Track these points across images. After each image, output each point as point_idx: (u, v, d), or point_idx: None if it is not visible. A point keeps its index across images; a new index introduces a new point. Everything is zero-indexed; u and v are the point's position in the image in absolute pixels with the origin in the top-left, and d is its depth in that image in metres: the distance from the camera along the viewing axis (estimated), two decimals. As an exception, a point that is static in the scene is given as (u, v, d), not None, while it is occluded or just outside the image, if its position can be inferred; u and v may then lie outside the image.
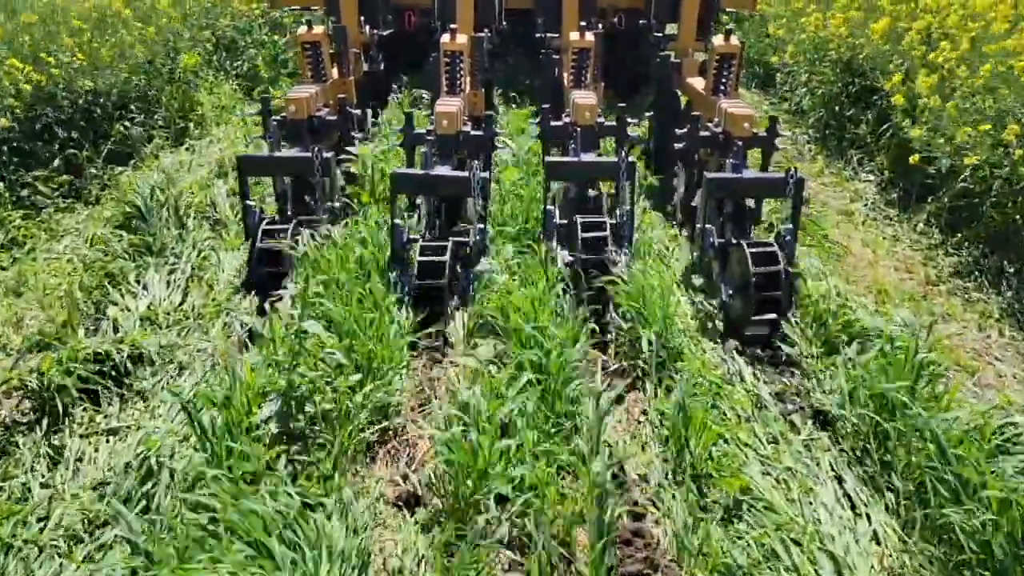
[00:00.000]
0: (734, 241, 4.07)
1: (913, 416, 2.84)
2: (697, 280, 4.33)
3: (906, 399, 2.91)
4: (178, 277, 4.24)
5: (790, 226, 3.97)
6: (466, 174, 4.09)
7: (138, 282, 4.13)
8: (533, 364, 3.22)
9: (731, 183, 4.20)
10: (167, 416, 3.21)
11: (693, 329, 3.95)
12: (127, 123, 6.43)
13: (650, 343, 3.56)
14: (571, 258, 4.11)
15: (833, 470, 3.04)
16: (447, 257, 3.82)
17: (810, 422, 3.33)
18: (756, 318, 3.81)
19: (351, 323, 3.35)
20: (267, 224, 4.16)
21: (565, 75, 5.65)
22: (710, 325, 3.98)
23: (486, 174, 4.31)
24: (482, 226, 4.18)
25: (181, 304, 4.10)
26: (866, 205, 5.77)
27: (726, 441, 3.11)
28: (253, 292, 4.09)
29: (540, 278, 3.88)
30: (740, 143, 4.36)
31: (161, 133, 6.76)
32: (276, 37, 8.96)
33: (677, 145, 4.74)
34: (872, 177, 6.14)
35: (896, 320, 3.66)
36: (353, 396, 3.10)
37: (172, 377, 3.54)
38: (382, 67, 7.11)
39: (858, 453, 3.09)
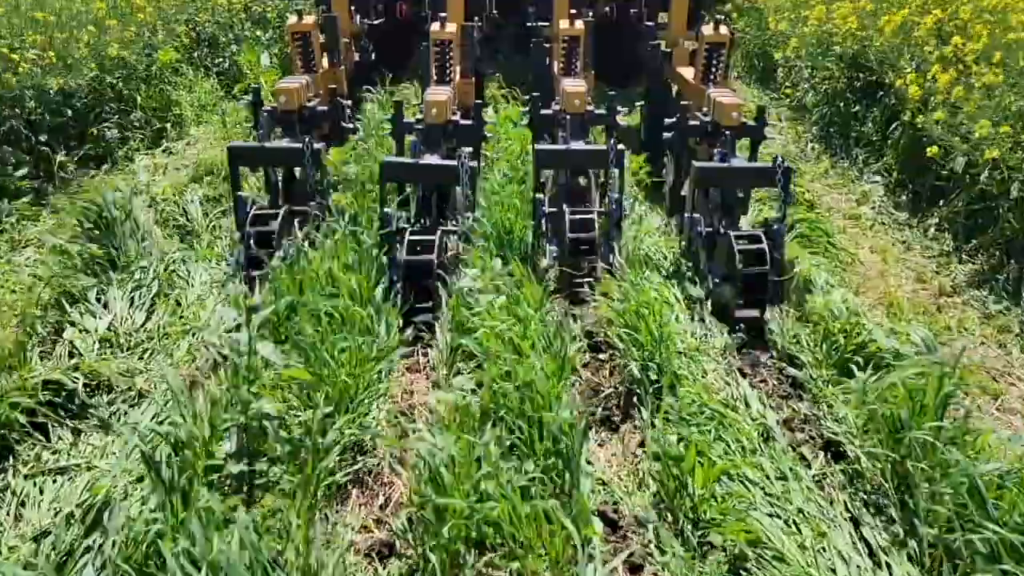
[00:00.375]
0: (722, 231, 4.03)
1: (942, 460, 2.57)
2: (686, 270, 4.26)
3: (932, 439, 2.63)
4: (143, 294, 3.96)
5: (779, 215, 3.96)
6: (454, 163, 4.04)
7: (99, 300, 3.85)
8: (512, 408, 2.93)
9: (718, 172, 4.19)
10: (122, 452, 2.93)
11: (693, 348, 3.68)
12: (103, 124, 6.16)
13: (644, 369, 3.30)
14: (556, 252, 4.12)
15: (848, 510, 2.78)
16: (435, 238, 3.86)
17: (821, 454, 3.07)
18: (740, 314, 3.84)
19: (323, 351, 3.08)
20: (257, 210, 4.13)
21: (555, 63, 5.61)
22: (698, 314, 3.88)
23: (475, 163, 4.25)
24: (469, 215, 4.14)
25: (145, 324, 3.82)
26: (874, 208, 5.50)
27: (730, 477, 2.85)
28: (245, 283, 3.98)
29: (528, 296, 3.61)
30: (728, 132, 4.34)
31: (137, 134, 6.48)
32: (259, 32, 8.66)
33: (666, 134, 4.69)
34: (880, 178, 5.86)
35: (913, 339, 3.40)
36: (324, 431, 2.83)
37: (131, 407, 3.27)
38: (372, 57, 7.05)
39: (876, 494, 2.82)
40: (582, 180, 4.71)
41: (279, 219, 4.07)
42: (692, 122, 4.62)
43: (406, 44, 7.38)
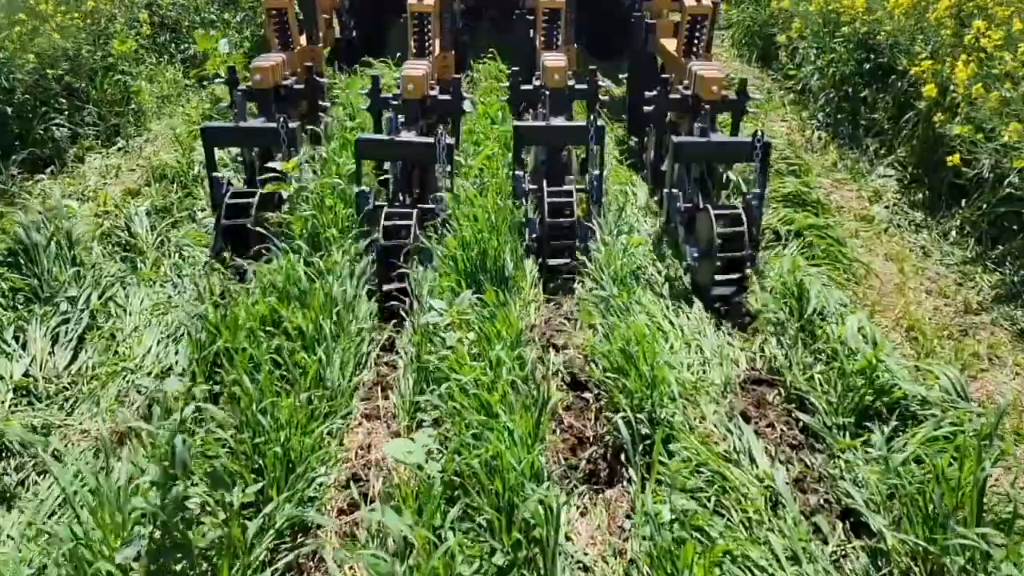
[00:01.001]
0: (701, 205, 4.02)
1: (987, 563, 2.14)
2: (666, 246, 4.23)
3: (974, 542, 2.20)
4: (71, 329, 3.52)
5: (757, 190, 3.94)
6: (431, 140, 3.96)
7: (17, 339, 3.41)
8: (480, 483, 2.49)
9: (698, 147, 4.16)
10: (16, 542, 2.51)
11: (690, 383, 3.24)
12: (50, 123, 5.67)
13: (633, 422, 2.87)
14: (536, 234, 4.10)
15: (874, 604, 2.37)
16: (412, 221, 3.78)
17: (840, 524, 2.65)
18: (719, 285, 3.80)
19: (258, 413, 2.64)
20: (233, 194, 4.09)
21: (537, 37, 5.47)
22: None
23: (452, 140, 4.11)
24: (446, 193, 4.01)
25: (71, 365, 3.39)
26: (888, 208, 5.04)
27: (733, 559, 2.43)
28: (220, 265, 3.87)
29: (502, 329, 3.16)
30: (709, 106, 4.28)
31: (89, 132, 5.99)
32: (227, 16, 8.12)
33: (646, 108, 4.62)
34: (893, 172, 5.39)
35: (942, 383, 2.96)
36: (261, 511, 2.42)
37: (42, 473, 2.84)
38: (354, 33, 6.99)
39: (905, 583, 2.40)
40: (563, 156, 4.58)
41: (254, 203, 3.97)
42: (673, 95, 4.55)
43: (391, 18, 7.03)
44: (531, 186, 4.24)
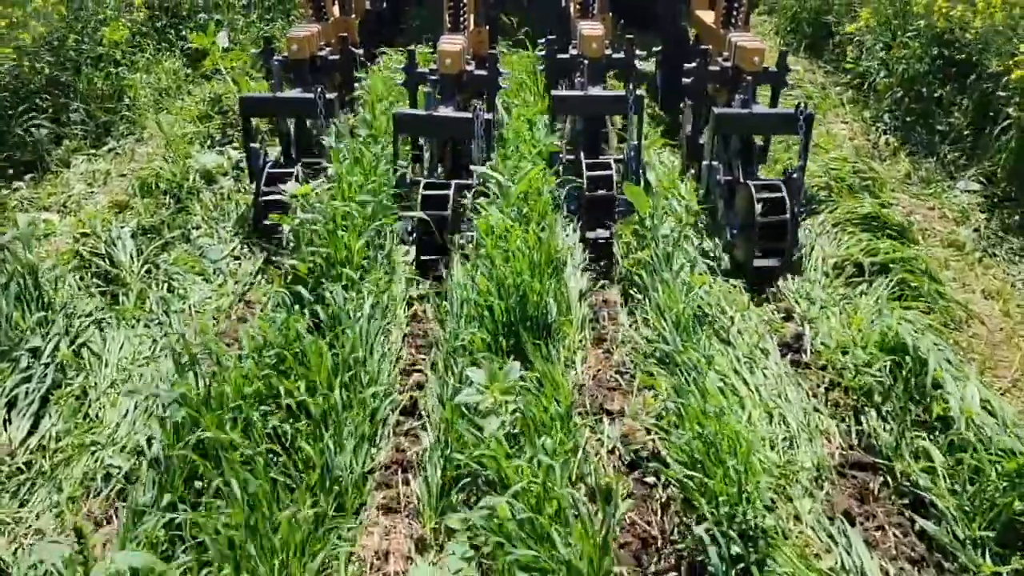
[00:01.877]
0: (741, 180, 3.96)
1: None
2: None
3: None
4: (32, 389, 2.95)
5: (800, 163, 3.89)
6: (469, 115, 3.98)
7: (-35, 406, 2.85)
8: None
9: (740, 119, 4.08)
10: None
11: (777, 467, 2.66)
12: (30, 122, 5.10)
13: (718, 537, 2.28)
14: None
15: None
16: (451, 192, 3.80)
17: None
18: (758, 263, 3.75)
19: (245, 538, 2.07)
20: (272, 168, 4.16)
21: (572, 5, 5.43)
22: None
23: (490, 115, 4.10)
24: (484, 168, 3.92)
25: (29, 437, 2.82)
26: (977, 231, 4.40)
27: None
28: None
29: (549, 411, 2.58)
30: (750, 78, 4.19)
31: (77, 131, 5.41)
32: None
33: (685, 80, 4.54)
34: (977, 186, 4.74)
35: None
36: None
37: (-17, 591, 2.29)
38: (384, 4, 6.98)
39: None
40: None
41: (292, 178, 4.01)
42: (712, 67, 4.47)
43: None
44: (568, 156, 4.27)
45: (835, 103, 6.31)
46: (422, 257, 3.77)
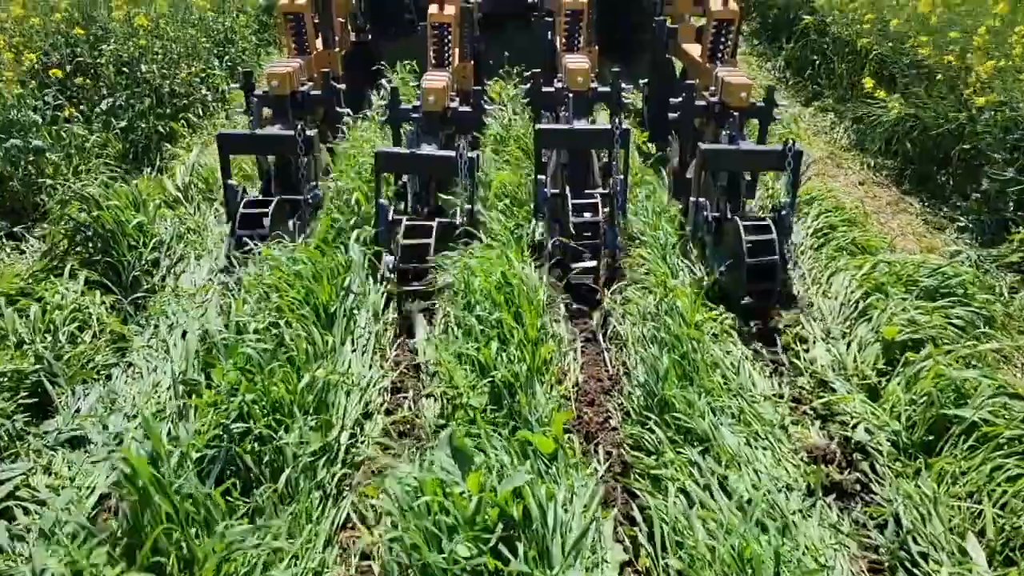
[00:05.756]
0: (728, 216, 3.92)
1: None
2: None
3: None
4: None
5: (787, 200, 3.84)
6: (452, 153, 3.92)
7: None
8: None
9: (727, 155, 4.03)
10: None
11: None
12: None
13: None
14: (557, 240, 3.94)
15: None
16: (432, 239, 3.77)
17: None
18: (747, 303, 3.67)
19: None
20: (248, 202, 4.01)
21: (558, 39, 5.40)
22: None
23: (474, 153, 4.04)
24: (468, 207, 4.01)
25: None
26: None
27: None
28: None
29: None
30: (737, 113, 4.18)
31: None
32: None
33: (671, 114, 4.47)
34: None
35: None
36: None
37: None
38: (370, 37, 6.78)
39: None
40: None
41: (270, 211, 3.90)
42: (699, 102, 4.41)
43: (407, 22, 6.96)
44: (553, 191, 4.17)
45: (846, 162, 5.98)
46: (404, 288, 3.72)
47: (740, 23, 4.93)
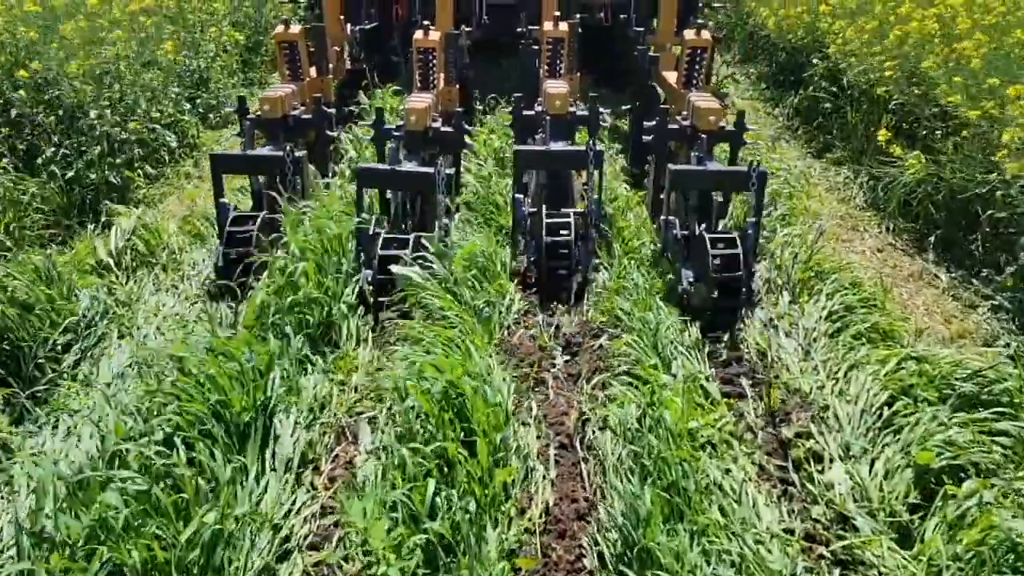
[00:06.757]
0: (697, 232, 4.04)
1: None
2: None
3: None
4: None
5: (753, 219, 3.97)
6: (430, 170, 4.07)
7: None
8: None
9: (694, 175, 4.23)
10: None
11: None
12: None
13: None
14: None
15: None
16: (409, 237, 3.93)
17: None
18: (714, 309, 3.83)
19: None
20: (235, 215, 4.28)
21: (540, 66, 5.64)
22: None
23: (452, 171, 4.31)
24: (446, 221, 4.20)
25: None
26: None
27: None
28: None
29: None
30: (704, 136, 4.39)
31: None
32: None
33: (645, 137, 4.73)
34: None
35: None
36: None
37: None
38: (364, 67, 7.07)
39: None
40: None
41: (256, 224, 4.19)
42: (672, 125, 4.66)
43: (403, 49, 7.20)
44: (531, 210, 4.36)
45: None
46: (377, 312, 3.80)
47: (713, 51, 5.26)
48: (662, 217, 4.30)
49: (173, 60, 6.79)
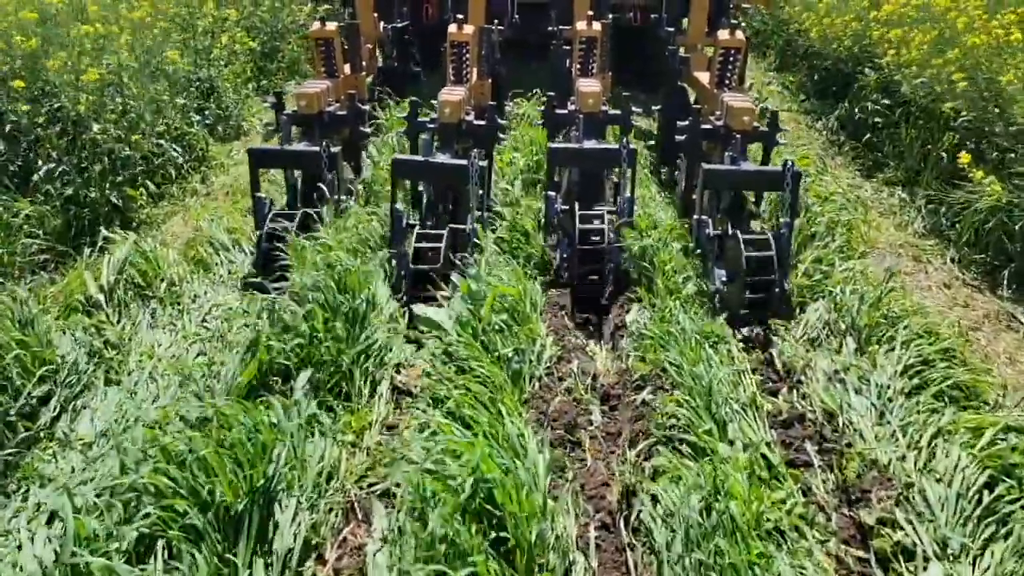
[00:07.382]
0: (730, 232, 4.02)
1: None
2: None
3: None
4: None
5: (787, 219, 3.91)
6: (464, 162, 4.09)
7: None
8: None
9: (727, 175, 4.21)
10: None
11: None
12: None
13: None
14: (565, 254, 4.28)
15: None
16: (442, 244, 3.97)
17: None
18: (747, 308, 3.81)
19: None
20: (275, 213, 4.33)
21: (573, 65, 5.69)
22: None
23: (485, 163, 4.33)
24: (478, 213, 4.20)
25: None
26: None
27: None
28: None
29: None
30: (739, 136, 4.39)
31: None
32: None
33: (678, 137, 4.71)
34: None
35: None
36: None
37: None
38: (395, 64, 7.39)
39: None
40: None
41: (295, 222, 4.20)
42: (704, 126, 4.63)
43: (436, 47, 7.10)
44: (564, 207, 4.41)
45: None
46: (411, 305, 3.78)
47: (747, 51, 5.23)
48: (695, 217, 4.31)
49: (182, 67, 6.43)
